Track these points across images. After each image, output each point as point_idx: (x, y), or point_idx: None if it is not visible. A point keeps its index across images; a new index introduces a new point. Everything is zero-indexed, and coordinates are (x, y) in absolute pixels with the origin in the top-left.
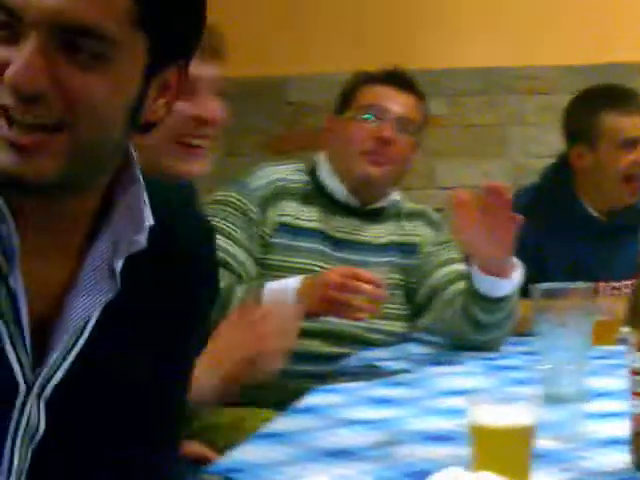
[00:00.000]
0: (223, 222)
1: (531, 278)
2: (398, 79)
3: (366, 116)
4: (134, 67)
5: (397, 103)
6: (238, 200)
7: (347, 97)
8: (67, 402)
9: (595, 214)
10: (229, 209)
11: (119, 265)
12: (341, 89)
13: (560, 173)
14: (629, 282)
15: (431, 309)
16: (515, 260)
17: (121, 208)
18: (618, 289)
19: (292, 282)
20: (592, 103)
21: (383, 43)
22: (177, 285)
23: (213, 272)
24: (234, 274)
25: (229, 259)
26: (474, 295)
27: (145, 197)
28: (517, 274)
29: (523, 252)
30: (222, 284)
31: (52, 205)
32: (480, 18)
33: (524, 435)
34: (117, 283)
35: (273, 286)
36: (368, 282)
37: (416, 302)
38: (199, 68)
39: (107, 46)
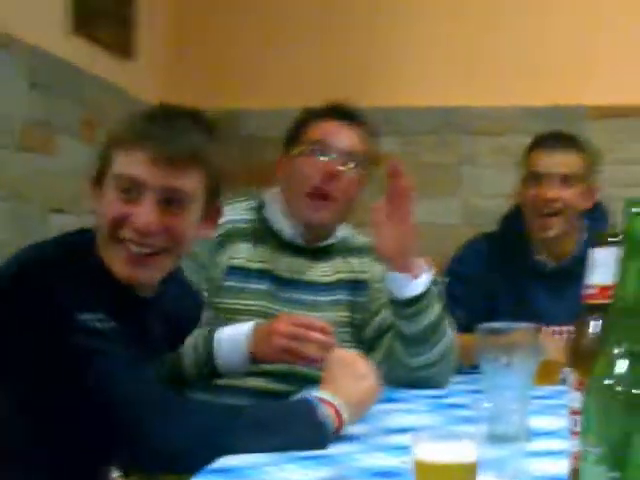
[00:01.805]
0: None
1: (482, 320)
2: (343, 113)
3: (312, 152)
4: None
5: (342, 137)
6: None
7: (294, 134)
8: None
9: (543, 259)
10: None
11: None
12: (288, 126)
13: (515, 217)
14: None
15: (380, 347)
16: (424, 264)
17: None
18: (560, 333)
19: (245, 328)
20: (530, 144)
21: (337, 79)
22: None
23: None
24: None
25: None
26: (391, 302)
27: None
28: (426, 276)
29: (476, 295)
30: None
31: None
32: (435, 58)
33: (466, 472)
34: None
35: (226, 332)
36: (317, 330)
37: (365, 339)
38: None
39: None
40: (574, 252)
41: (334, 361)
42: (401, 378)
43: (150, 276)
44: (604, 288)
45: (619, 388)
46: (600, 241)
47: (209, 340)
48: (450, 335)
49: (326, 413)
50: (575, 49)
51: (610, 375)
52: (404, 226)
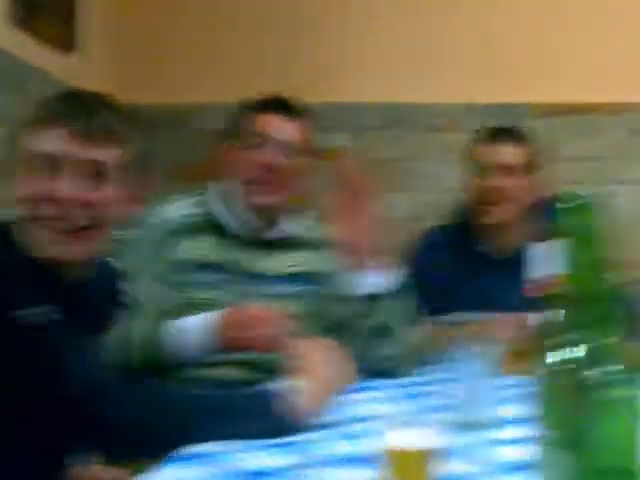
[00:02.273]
0: (124, 263)
1: (438, 311)
2: (283, 106)
3: (252, 145)
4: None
5: (282, 129)
6: (136, 240)
7: (234, 126)
8: None
9: (487, 250)
10: (128, 249)
11: None
12: (228, 118)
13: (464, 210)
14: (523, 314)
15: (343, 337)
16: (389, 262)
17: None
18: (516, 320)
19: (202, 319)
20: (476, 137)
21: (287, 75)
22: None
23: None
24: (134, 314)
25: (131, 299)
26: (347, 298)
27: None
28: (385, 274)
29: (435, 285)
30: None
31: None
32: (385, 55)
33: (432, 458)
34: None
35: (177, 324)
36: (272, 318)
37: (321, 329)
38: None
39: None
40: (518, 245)
41: (304, 349)
42: (364, 369)
43: (77, 254)
44: (547, 280)
45: (572, 373)
46: (540, 236)
47: (161, 333)
48: (413, 327)
49: (288, 402)
50: (521, 48)
51: (563, 360)
52: (359, 222)
